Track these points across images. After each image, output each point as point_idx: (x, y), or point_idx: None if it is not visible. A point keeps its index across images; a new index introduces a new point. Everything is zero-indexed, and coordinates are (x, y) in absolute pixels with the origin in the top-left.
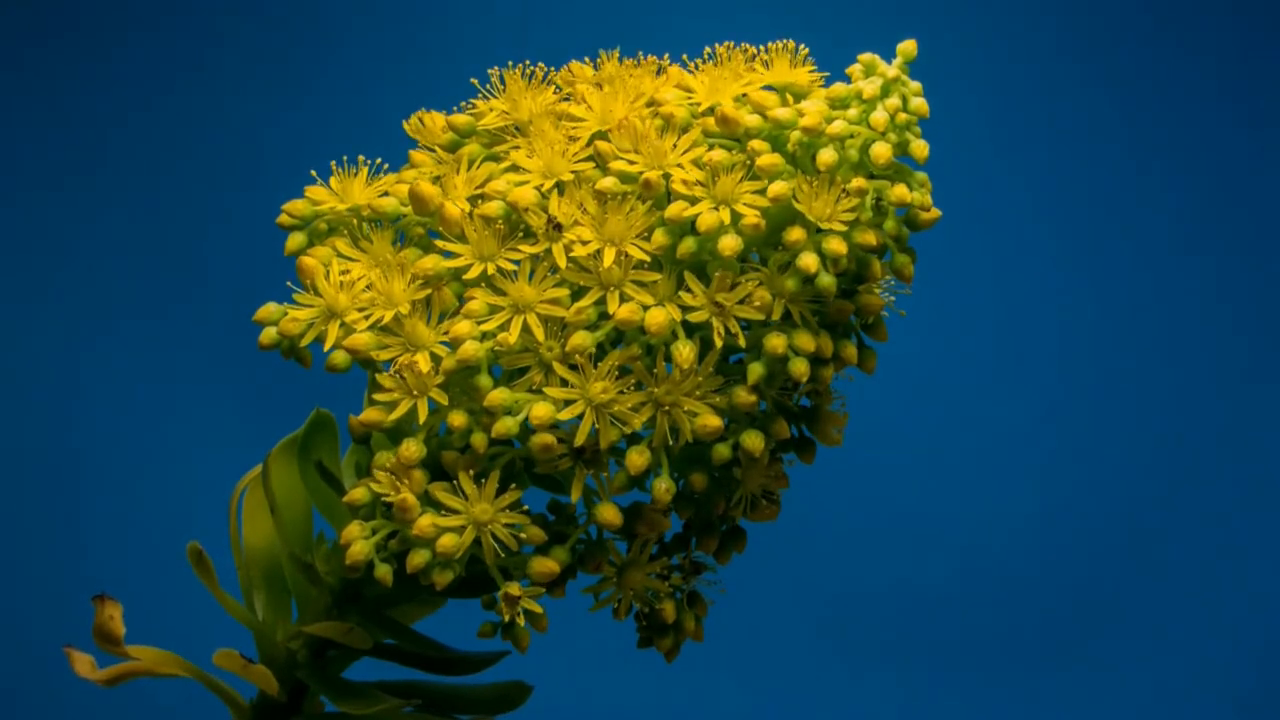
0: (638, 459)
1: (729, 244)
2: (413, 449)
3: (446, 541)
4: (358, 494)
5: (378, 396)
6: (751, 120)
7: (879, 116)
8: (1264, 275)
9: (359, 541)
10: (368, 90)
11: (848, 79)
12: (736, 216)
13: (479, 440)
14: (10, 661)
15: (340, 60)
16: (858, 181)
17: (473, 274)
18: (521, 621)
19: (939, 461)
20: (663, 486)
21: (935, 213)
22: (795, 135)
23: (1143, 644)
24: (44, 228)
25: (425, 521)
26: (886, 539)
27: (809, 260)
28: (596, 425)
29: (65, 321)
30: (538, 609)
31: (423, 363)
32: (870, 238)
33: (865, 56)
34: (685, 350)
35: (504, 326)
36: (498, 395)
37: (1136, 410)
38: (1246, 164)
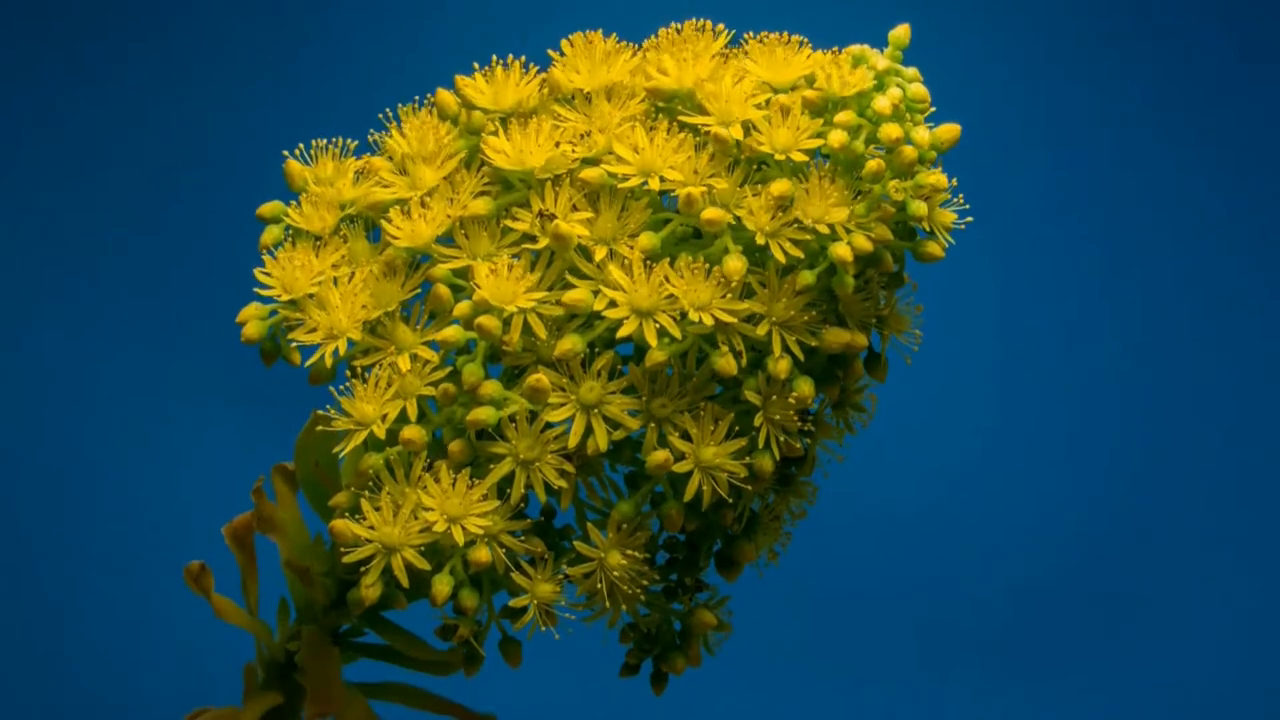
0: (658, 454)
1: (734, 266)
2: (417, 433)
3: (479, 554)
4: (341, 499)
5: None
6: (756, 115)
7: (881, 104)
8: (1274, 273)
9: (368, 589)
10: (374, 95)
11: None
12: (743, 230)
13: (456, 445)
14: (8, 664)
15: (345, 64)
16: (874, 163)
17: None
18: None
19: (942, 461)
20: (675, 509)
21: (943, 180)
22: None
23: (1147, 645)
24: (43, 228)
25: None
26: (886, 538)
27: (843, 250)
28: (588, 431)
29: (62, 320)
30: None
31: (403, 363)
32: (886, 232)
33: (856, 48)
34: (724, 362)
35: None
36: (490, 387)
37: (1143, 410)
38: (1254, 162)
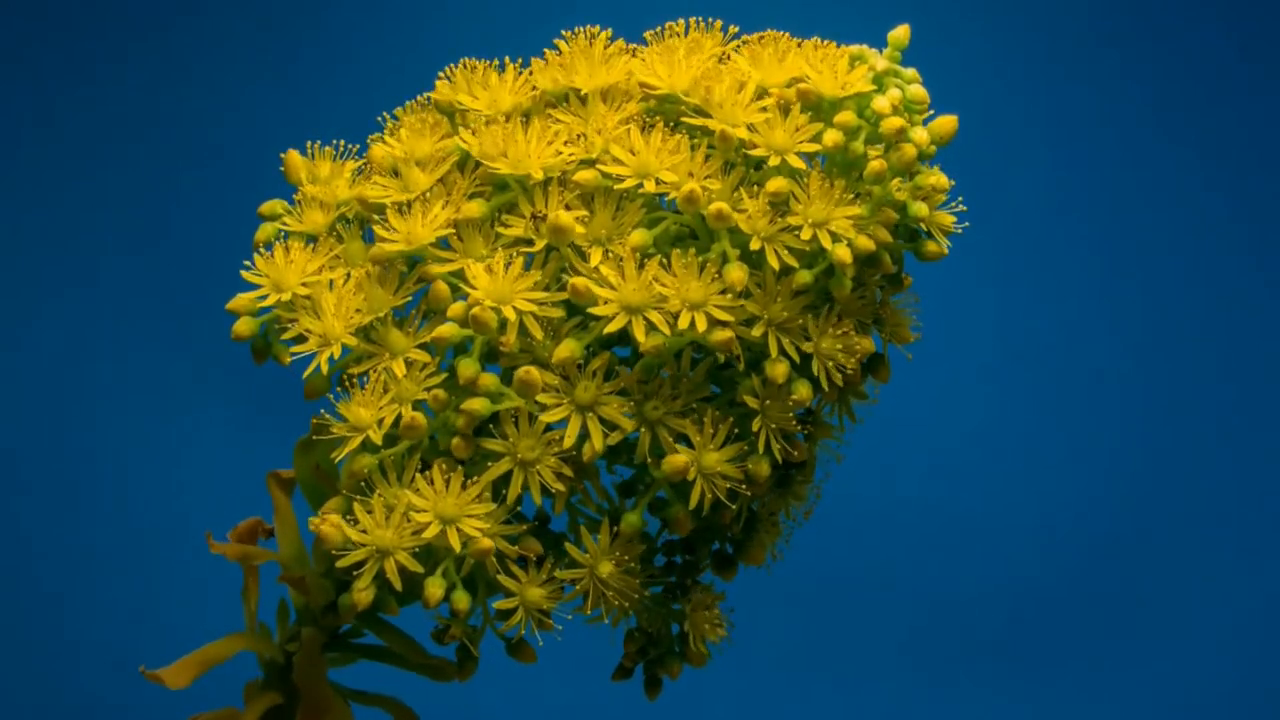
0: (676, 459)
1: (737, 276)
2: (419, 418)
3: (482, 543)
4: (333, 504)
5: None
6: (759, 118)
7: (881, 104)
8: (1274, 273)
9: (360, 593)
10: (374, 95)
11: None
12: (741, 234)
13: (456, 442)
14: (9, 664)
15: (345, 64)
16: (876, 164)
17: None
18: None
19: (942, 461)
20: (682, 513)
21: (944, 180)
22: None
23: (1147, 645)
24: (43, 228)
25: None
26: (886, 538)
27: (843, 251)
28: (584, 434)
29: (62, 320)
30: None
31: (398, 368)
32: (885, 234)
33: (855, 48)
34: (720, 334)
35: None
36: (487, 379)
37: (1143, 410)
38: (1254, 162)
